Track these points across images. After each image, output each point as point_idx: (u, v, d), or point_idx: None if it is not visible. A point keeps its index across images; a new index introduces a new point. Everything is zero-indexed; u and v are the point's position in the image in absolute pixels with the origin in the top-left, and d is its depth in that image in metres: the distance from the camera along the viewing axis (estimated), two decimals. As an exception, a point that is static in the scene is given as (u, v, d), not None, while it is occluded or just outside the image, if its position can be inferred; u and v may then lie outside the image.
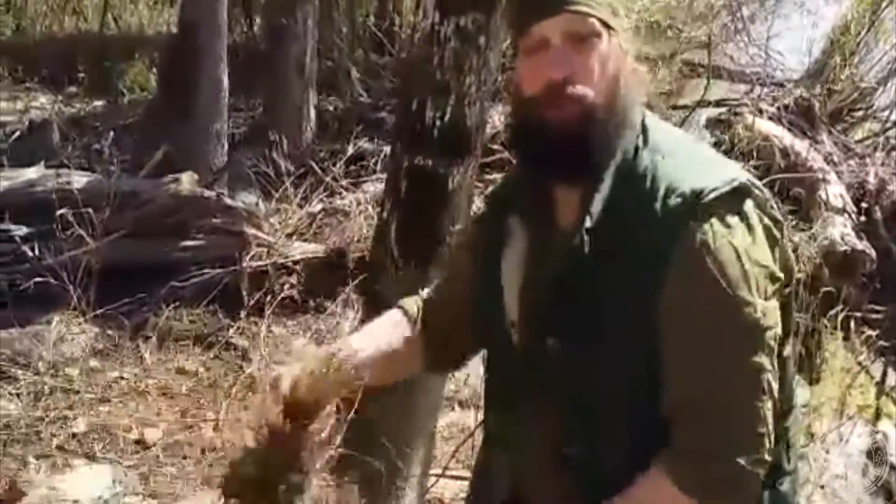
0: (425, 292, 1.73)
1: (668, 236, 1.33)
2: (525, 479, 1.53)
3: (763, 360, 1.34)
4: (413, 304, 1.71)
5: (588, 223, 1.37)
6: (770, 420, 1.35)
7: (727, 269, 1.32)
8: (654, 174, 1.37)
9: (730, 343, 1.34)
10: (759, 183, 1.40)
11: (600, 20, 1.39)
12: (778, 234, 1.39)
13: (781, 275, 1.38)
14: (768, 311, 1.34)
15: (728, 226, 1.33)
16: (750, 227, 1.35)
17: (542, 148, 1.42)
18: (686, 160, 1.40)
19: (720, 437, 1.34)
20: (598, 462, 1.41)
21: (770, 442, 1.36)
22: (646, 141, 1.42)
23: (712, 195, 1.33)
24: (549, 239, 1.46)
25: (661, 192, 1.35)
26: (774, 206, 1.40)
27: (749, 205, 1.36)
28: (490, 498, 1.60)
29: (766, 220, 1.38)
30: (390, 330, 1.68)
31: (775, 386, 1.35)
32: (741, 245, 1.33)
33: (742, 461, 1.33)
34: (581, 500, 1.44)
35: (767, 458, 1.36)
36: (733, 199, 1.35)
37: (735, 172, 1.39)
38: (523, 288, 1.49)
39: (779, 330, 1.37)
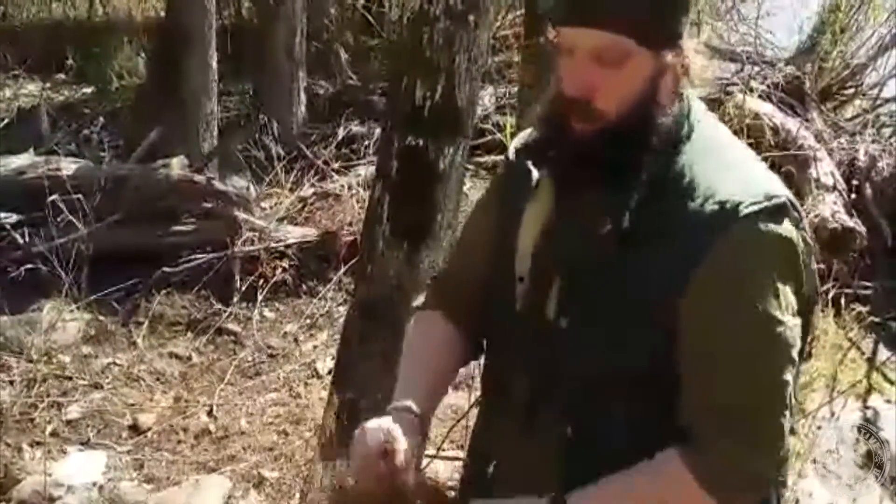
0: (436, 272, 1.72)
1: (701, 240, 1.31)
2: (509, 454, 1.52)
3: (789, 376, 1.36)
4: (432, 297, 1.70)
5: (626, 223, 1.34)
6: (787, 434, 1.38)
7: (759, 282, 1.32)
8: (691, 174, 1.35)
9: (762, 357, 1.34)
10: (796, 202, 1.38)
11: (636, 36, 1.31)
12: (807, 259, 1.38)
13: (807, 296, 1.40)
14: (795, 329, 1.36)
15: (763, 241, 1.33)
16: (782, 246, 1.34)
17: (561, 157, 1.39)
18: (726, 164, 1.37)
19: (747, 447, 1.35)
20: (594, 444, 1.41)
21: (786, 453, 1.39)
22: (689, 136, 1.38)
23: (752, 208, 1.32)
24: (577, 211, 1.41)
25: (699, 194, 1.33)
26: (806, 228, 1.39)
27: (786, 224, 1.34)
28: (484, 478, 1.59)
29: (800, 243, 1.36)
30: (434, 346, 1.71)
31: (794, 403, 1.38)
32: (774, 262, 1.34)
33: (764, 471, 1.38)
34: (569, 480, 1.42)
35: (783, 471, 1.42)
36: (772, 215, 1.33)
37: (777, 188, 1.36)
38: (538, 250, 1.45)
39: (799, 346, 1.38)
